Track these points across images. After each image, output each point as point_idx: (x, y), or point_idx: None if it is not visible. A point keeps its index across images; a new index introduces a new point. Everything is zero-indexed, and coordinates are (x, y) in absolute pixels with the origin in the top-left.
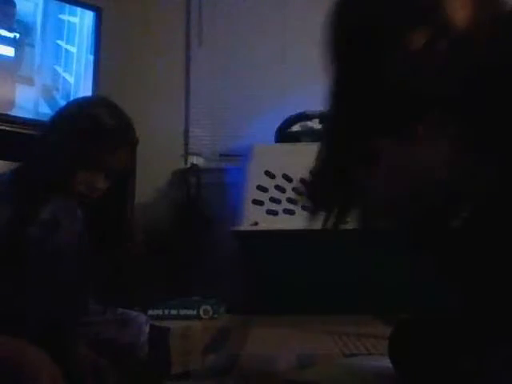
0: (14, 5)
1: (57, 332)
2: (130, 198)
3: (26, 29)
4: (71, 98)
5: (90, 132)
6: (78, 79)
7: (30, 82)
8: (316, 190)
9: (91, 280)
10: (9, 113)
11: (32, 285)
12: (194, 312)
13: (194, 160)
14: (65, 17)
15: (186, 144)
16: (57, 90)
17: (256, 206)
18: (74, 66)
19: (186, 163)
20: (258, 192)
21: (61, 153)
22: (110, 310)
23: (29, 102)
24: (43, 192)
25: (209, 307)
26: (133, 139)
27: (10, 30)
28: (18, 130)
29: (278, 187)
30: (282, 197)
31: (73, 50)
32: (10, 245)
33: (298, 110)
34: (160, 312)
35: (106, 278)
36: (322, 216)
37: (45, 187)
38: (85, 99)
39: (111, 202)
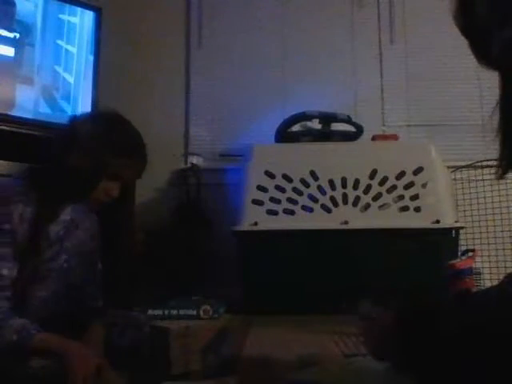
0: (13, 5)
1: (69, 324)
2: (130, 198)
3: (26, 29)
4: (71, 98)
5: (119, 148)
6: (77, 79)
7: (29, 82)
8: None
9: (100, 278)
10: (9, 113)
11: (47, 278)
12: (194, 312)
13: (194, 160)
14: (65, 17)
15: (186, 144)
16: (57, 89)
17: (256, 206)
18: (74, 66)
19: (186, 163)
20: (258, 192)
21: (88, 164)
22: (110, 311)
23: (29, 102)
24: (65, 196)
25: (209, 307)
26: (146, 155)
27: (10, 30)
28: (18, 130)
29: (278, 187)
30: (282, 197)
31: (73, 50)
32: (32, 240)
33: (298, 110)
34: (160, 312)
35: (108, 278)
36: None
37: (67, 192)
38: (107, 115)
39: (119, 205)
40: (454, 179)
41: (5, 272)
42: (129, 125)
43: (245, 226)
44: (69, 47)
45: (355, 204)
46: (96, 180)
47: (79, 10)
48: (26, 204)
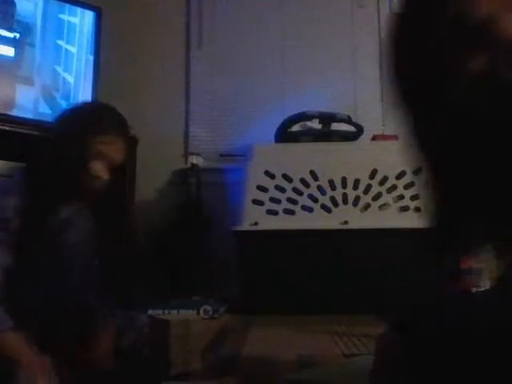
0: (14, 5)
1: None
2: (130, 198)
3: (26, 29)
4: (71, 98)
5: (96, 126)
6: (77, 79)
7: (30, 82)
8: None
9: (95, 275)
10: (9, 113)
11: (42, 272)
12: (194, 312)
13: (194, 160)
14: (65, 17)
15: (186, 144)
16: (57, 89)
17: (256, 206)
18: (74, 66)
19: (186, 163)
20: (258, 192)
21: (71, 149)
22: (110, 311)
23: (29, 101)
24: (58, 190)
25: (209, 307)
26: (128, 132)
27: (10, 30)
28: (18, 130)
29: (278, 187)
30: (282, 197)
31: (73, 50)
32: (31, 236)
33: (298, 110)
34: (160, 312)
35: (108, 277)
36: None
37: (59, 185)
38: (86, 102)
39: (112, 201)
40: None
41: None
42: (105, 105)
43: (245, 226)
44: (69, 47)
45: (355, 204)
46: (82, 162)
47: (79, 9)
48: (21, 198)
